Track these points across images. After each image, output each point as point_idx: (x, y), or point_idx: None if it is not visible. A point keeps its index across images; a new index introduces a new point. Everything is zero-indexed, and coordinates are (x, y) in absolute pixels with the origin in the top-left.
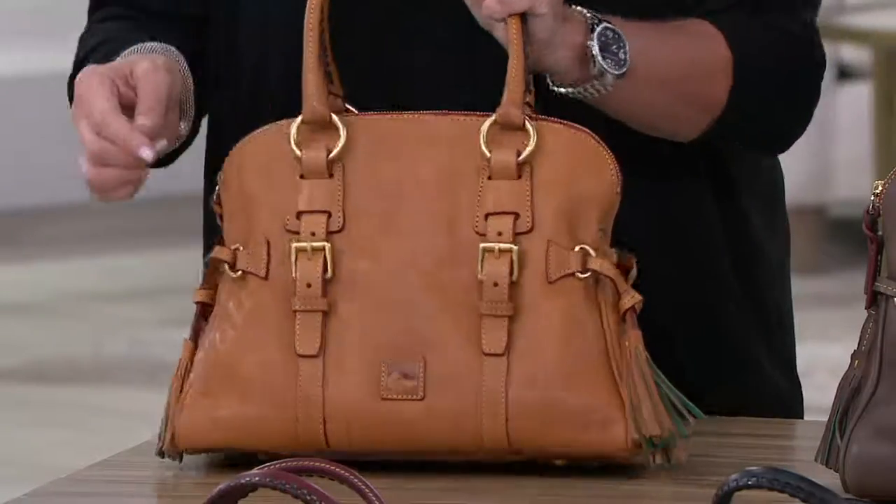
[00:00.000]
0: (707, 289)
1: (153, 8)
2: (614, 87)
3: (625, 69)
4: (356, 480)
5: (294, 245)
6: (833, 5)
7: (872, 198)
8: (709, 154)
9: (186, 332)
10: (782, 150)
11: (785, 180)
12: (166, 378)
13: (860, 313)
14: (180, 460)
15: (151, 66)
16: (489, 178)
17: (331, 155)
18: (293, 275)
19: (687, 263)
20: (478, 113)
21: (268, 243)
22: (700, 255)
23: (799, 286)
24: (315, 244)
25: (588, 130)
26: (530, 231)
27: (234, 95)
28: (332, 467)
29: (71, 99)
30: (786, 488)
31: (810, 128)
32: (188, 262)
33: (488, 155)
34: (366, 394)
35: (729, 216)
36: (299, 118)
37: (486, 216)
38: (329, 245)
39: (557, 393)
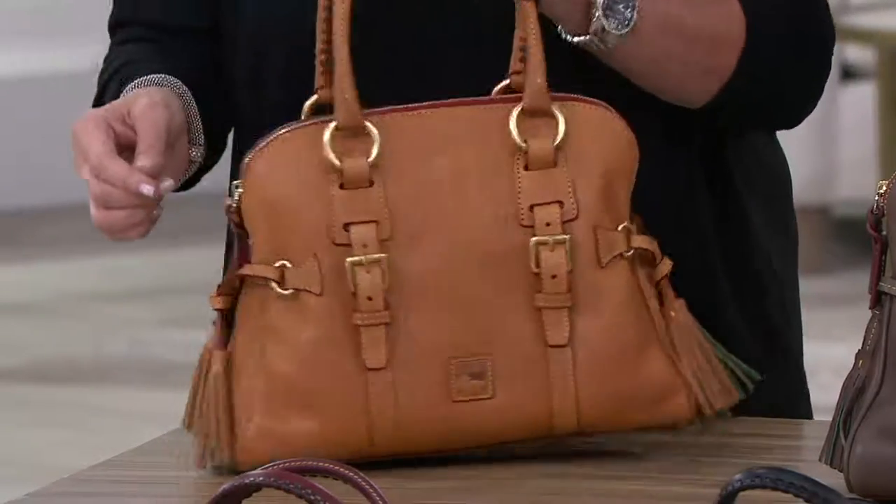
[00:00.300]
0: (698, 283)
1: (170, 26)
2: (618, 44)
3: (628, 29)
4: (360, 480)
5: (349, 260)
6: (837, 5)
7: (876, 198)
8: (703, 146)
9: (186, 332)
10: (792, 125)
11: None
12: (166, 378)
13: (864, 313)
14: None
15: (149, 102)
16: (525, 167)
17: (370, 160)
18: (351, 289)
19: (675, 256)
20: (496, 99)
21: (316, 258)
22: (690, 247)
23: (803, 286)
24: (371, 256)
25: (600, 102)
26: (576, 218)
27: (238, 96)
28: (336, 467)
29: None
30: (790, 488)
31: (814, 128)
32: (188, 262)
33: (524, 145)
34: (438, 398)
35: (722, 209)
36: (332, 124)
37: (531, 207)
38: (385, 255)
39: (622, 374)
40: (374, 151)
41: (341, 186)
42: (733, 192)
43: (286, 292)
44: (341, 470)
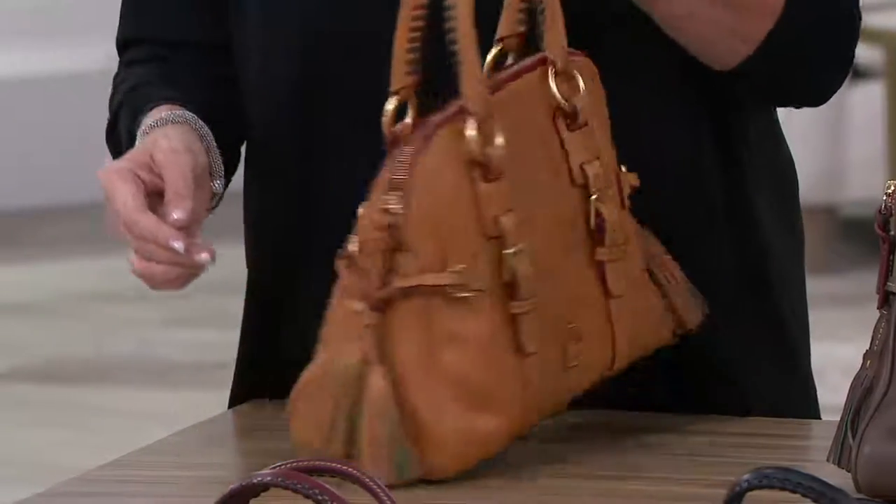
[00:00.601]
0: (706, 278)
1: (177, 42)
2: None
3: None
4: (367, 480)
5: (506, 252)
6: None
7: (884, 198)
8: (715, 138)
9: (190, 332)
10: (820, 101)
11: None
12: (169, 378)
13: (872, 313)
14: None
15: (170, 147)
16: (568, 128)
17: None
18: (508, 279)
19: (683, 245)
20: (525, 68)
21: (476, 256)
22: (698, 238)
23: (810, 286)
24: (520, 245)
25: (578, 51)
26: (606, 164)
27: (249, 104)
28: (344, 467)
29: (113, 151)
30: (797, 488)
31: (822, 127)
32: None
33: (565, 105)
34: (559, 369)
35: (730, 204)
36: (470, 120)
37: (581, 166)
38: (526, 242)
39: (643, 306)
40: (499, 140)
41: (485, 179)
42: (742, 188)
43: (463, 295)
44: (349, 470)
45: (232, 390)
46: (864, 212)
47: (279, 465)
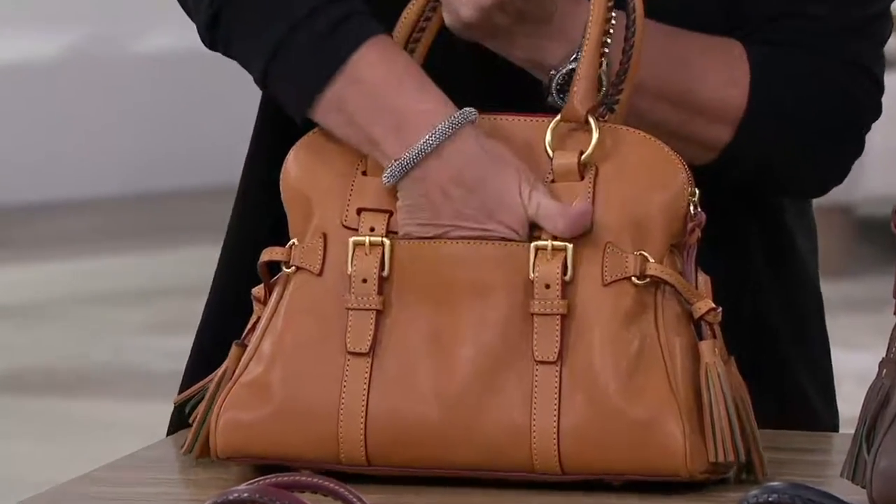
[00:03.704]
0: (737, 280)
1: None
2: None
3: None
4: (349, 496)
5: (352, 240)
6: None
7: None
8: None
9: (174, 339)
10: (820, 192)
11: None
12: (152, 388)
13: (889, 319)
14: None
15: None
16: (552, 181)
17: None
18: (349, 270)
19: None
20: (548, 115)
21: (325, 237)
22: (731, 243)
23: (825, 290)
24: (373, 239)
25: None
26: (589, 233)
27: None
28: (324, 482)
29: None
30: None
31: None
32: (178, 262)
33: (551, 155)
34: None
35: (761, 205)
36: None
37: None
38: (388, 242)
39: (613, 403)
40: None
41: (363, 173)
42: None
43: (290, 270)
44: (329, 485)
45: (180, 391)
46: (881, 210)
47: (257, 481)
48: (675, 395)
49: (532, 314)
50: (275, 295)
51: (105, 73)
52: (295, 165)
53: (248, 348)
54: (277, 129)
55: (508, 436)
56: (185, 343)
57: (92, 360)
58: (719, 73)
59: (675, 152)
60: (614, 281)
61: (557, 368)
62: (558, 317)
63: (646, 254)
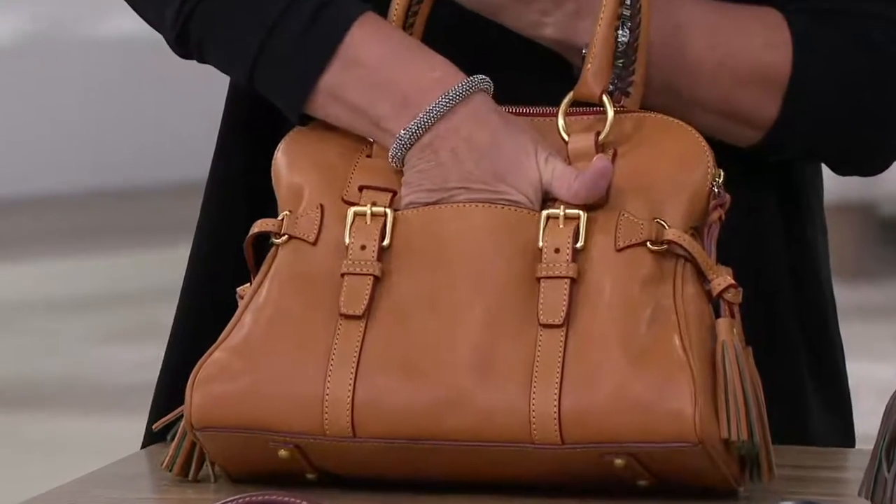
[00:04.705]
0: (761, 288)
1: None
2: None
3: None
4: None
5: (352, 209)
6: None
7: None
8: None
9: (137, 349)
10: (881, 168)
11: (825, 173)
12: (107, 402)
13: None
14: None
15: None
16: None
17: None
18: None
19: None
20: (553, 110)
21: (321, 208)
22: (757, 255)
23: (841, 295)
24: (375, 209)
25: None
26: (604, 205)
27: None
28: (296, 500)
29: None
30: None
31: None
32: (135, 266)
33: (566, 139)
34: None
35: (791, 215)
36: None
37: (555, 200)
38: (391, 213)
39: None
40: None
41: (368, 156)
42: (801, 197)
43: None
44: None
45: (151, 410)
46: None
47: (228, 501)
48: (689, 362)
49: (538, 279)
50: (262, 269)
51: (63, 59)
52: (285, 159)
53: (231, 320)
54: (245, 128)
55: (506, 403)
56: (148, 353)
57: (46, 373)
58: (758, 37)
59: (710, 133)
60: (628, 246)
61: (563, 332)
62: (567, 280)
63: (662, 221)
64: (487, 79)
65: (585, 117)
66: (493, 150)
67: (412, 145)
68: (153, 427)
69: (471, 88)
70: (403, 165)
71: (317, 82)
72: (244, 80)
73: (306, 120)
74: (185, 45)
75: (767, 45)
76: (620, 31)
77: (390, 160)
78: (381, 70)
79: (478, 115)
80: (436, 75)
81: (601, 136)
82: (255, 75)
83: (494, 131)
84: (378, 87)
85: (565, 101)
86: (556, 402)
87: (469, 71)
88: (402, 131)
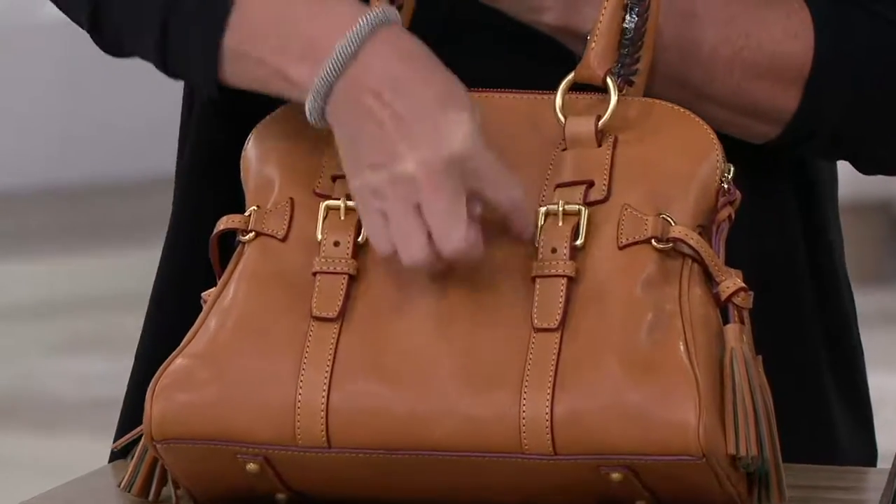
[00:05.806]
0: (782, 301)
1: None
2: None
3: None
4: None
5: (324, 204)
6: None
7: None
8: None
9: (91, 361)
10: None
11: (840, 171)
12: (60, 419)
13: None
14: None
15: None
16: (564, 150)
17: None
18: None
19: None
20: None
21: (291, 202)
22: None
23: (858, 300)
24: (350, 203)
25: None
26: (605, 200)
27: None
28: None
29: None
30: None
31: None
32: (90, 270)
33: (563, 121)
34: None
35: (811, 221)
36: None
37: (556, 187)
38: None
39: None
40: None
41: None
42: (820, 204)
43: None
44: None
45: (118, 429)
46: None
47: None
48: (694, 370)
49: (533, 278)
50: (227, 269)
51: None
52: (255, 151)
53: (195, 324)
54: (206, 117)
55: (494, 410)
56: (103, 366)
57: None
58: (777, 26)
59: (723, 129)
60: (631, 243)
61: (558, 337)
62: (563, 279)
63: (668, 217)
64: (395, 10)
65: (588, 95)
66: (423, 87)
67: (325, 99)
68: (113, 446)
69: (380, 20)
70: (327, 123)
71: (220, 44)
72: (160, 66)
73: (225, 92)
74: (103, 42)
75: (787, 34)
76: (627, 17)
77: (308, 118)
78: (277, 20)
79: (394, 48)
80: (331, 20)
81: (602, 121)
82: (167, 63)
83: (416, 62)
84: (278, 39)
85: (565, 81)
86: (548, 408)
87: (457, 60)
88: (317, 79)
